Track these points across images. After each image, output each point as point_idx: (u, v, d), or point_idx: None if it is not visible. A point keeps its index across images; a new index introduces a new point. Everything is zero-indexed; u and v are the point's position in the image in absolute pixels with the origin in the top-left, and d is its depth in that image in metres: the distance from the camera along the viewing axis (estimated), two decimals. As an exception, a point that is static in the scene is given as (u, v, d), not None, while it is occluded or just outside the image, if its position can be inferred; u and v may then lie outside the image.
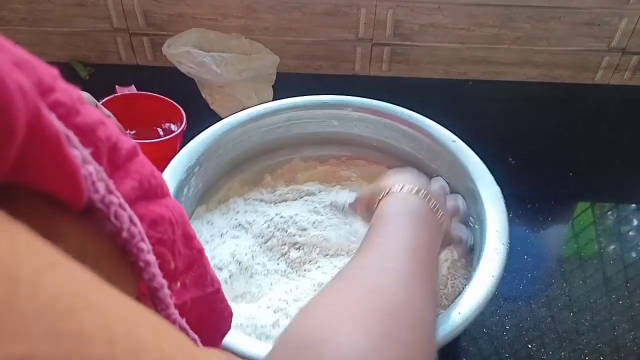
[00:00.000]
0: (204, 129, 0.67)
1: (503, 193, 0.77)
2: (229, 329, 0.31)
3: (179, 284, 0.25)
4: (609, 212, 0.78)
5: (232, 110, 0.73)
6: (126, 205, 0.20)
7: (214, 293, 0.28)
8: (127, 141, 0.23)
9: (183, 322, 0.24)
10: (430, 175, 0.70)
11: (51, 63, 0.19)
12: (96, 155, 0.20)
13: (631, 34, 0.94)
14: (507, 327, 0.62)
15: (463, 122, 0.91)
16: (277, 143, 0.73)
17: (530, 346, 0.60)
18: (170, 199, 0.25)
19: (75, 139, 0.18)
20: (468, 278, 0.59)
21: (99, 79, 0.98)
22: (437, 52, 0.98)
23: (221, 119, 0.69)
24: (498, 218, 0.57)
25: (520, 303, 0.65)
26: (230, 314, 0.30)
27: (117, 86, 0.82)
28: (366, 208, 0.50)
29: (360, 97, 0.73)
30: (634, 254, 0.71)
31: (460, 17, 0.93)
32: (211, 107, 0.90)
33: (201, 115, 0.73)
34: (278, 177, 0.73)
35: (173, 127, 0.80)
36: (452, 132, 0.68)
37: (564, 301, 0.65)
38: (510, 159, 0.84)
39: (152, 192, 0.23)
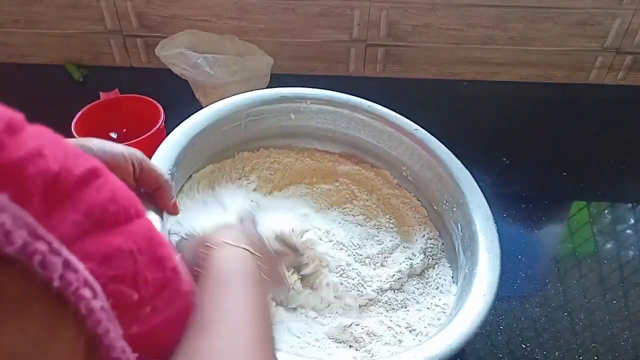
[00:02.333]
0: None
1: (497, 193, 0.78)
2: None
3: (148, 309, 0.24)
4: (603, 212, 0.78)
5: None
6: (62, 249, 0.19)
7: (187, 304, 0.27)
8: (81, 165, 0.21)
9: None
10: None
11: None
12: (21, 196, 0.18)
13: (625, 33, 0.94)
14: (502, 327, 0.62)
15: (457, 122, 0.92)
16: (237, 142, 0.71)
17: (524, 346, 0.60)
18: (138, 221, 0.23)
19: None
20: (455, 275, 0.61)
21: (92, 81, 0.98)
22: (431, 52, 0.98)
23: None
24: (476, 200, 0.61)
25: (514, 303, 0.64)
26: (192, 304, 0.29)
27: (101, 93, 0.82)
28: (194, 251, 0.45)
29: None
30: (629, 253, 0.71)
31: (454, 17, 0.93)
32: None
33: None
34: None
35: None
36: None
37: (559, 301, 0.65)
38: (504, 159, 0.84)
39: (109, 220, 0.21)
